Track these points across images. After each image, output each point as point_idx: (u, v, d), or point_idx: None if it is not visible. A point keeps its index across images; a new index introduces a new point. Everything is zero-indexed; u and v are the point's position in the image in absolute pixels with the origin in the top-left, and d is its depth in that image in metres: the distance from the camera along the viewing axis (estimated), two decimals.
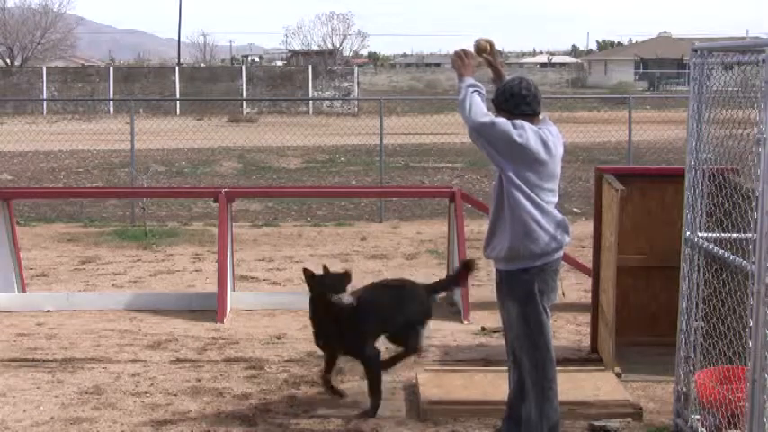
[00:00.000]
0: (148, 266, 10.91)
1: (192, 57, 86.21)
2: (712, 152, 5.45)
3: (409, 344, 6.30)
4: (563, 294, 7.10)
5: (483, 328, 8.07)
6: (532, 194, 5.00)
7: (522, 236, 5.00)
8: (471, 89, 5.12)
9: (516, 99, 5.11)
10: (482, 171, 19.83)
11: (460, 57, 5.27)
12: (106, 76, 44.20)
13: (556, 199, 5.14)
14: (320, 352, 6.45)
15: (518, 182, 4.99)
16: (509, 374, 5.34)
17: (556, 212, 5.10)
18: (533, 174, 5.01)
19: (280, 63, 75.63)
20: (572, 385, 6.04)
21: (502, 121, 5.01)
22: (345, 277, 6.01)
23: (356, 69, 48.21)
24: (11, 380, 6.76)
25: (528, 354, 5.10)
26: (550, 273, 5.10)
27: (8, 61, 56.26)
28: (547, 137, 5.07)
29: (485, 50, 5.44)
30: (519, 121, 5.03)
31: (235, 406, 6.22)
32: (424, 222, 13.96)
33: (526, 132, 5.00)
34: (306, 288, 6.13)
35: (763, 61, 4.50)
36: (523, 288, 5.05)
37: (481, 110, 5.05)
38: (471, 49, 5.39)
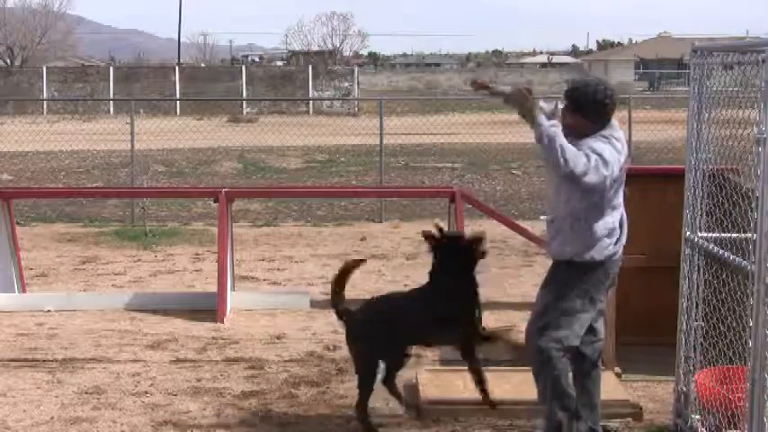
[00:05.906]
0: (148, 266, 10.90)
1: (191, 57, 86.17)
2: (712, 152, 5.45)
3: None
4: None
5: (483, 328, 8.03)
6: (608, 210, 5.06)
7: (588, 246, 5.06)
8: (553, 128, 4.82)
9: (598, 106, 4.99)
10: (482, 171, 19.85)
11: (525, 95, 4.96)
12: (106, 76, 44.24)
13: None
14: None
15: (599, 202, 5.02)
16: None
17: (620, 219, 5.18)
18: (613, 191, 5.05)
19: (280, 63, 75.61)
20: None
21: (601, 163, 4.82)
22: None
23: (356, 69, 48.22)
24: (11, 380, 6.76)
25: (538, 344, 5.15)
26: (603, 274, 5.15)
27: (8, 61, 56.27)
28: (621, 152, 5.01)
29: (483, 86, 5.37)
30: (608, 151, 4.87)
31: (235, 406, 6.22)
32: (424, 222, 13.91)
33: (615, 163, 4.92)
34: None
35: (763, 61, 4.50)
36: (575, 284, 5.10)
37: (577, 156, 4.78)
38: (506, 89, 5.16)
